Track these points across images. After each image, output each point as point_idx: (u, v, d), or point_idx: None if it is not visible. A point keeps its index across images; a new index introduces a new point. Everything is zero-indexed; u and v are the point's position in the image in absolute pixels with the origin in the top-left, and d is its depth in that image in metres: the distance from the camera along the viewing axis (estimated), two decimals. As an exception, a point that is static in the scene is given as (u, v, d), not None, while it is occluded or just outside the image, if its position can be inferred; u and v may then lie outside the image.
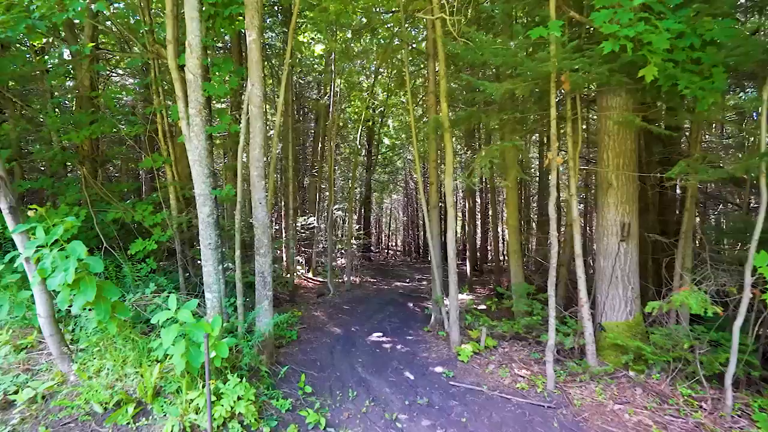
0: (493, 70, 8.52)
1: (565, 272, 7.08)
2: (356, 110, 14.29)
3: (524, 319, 5.86)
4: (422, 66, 10.58)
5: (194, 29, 4.25)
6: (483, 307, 8.23)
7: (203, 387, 3.49)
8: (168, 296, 4.13)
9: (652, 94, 4.51)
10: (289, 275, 9.60)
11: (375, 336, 6.66)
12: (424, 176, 13.30)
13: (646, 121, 4.56)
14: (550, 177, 4.52)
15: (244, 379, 3.73)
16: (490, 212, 16.05)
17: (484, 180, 12.49)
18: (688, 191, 4.82)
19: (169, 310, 3.53)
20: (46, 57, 6.68)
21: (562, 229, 7.92)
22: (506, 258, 12.13)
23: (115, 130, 8.02)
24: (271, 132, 10.39)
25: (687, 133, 6.85)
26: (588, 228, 11.85)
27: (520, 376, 4.99)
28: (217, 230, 4.52)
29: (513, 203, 7.23)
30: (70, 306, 3.58)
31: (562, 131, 5.53)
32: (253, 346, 4.34)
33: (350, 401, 4.33)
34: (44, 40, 6.67)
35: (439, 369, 5.26)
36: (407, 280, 13.31)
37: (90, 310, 4.02)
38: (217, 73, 6.52)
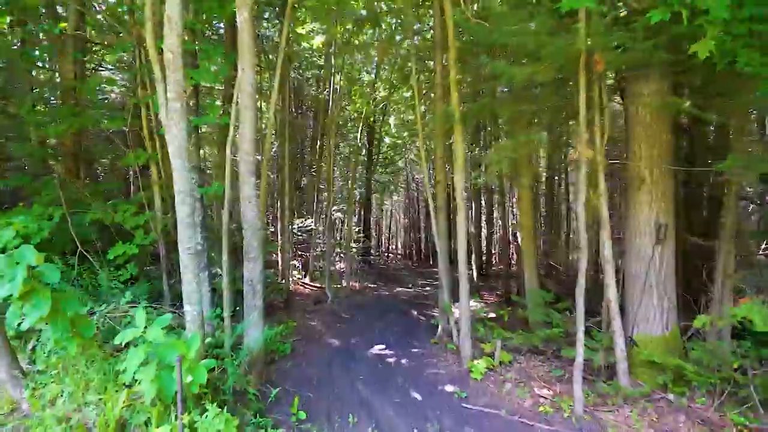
0: (503, 60, 8.00)
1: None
2: (357, 108, 13.73)
3: (543, 331, 5.29)
4: (427, 58, 10.02)
5: (175, 0, 3.72)
6: (493, 315, 7.67)
7: (177, 419, 2.93)
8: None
9: (702, 75, 3.96)
10: (284, 281, 9.02)
11: (377, 349, 6.09)
12: (429, 175, 12.72)
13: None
14: (579, 173, 3.98)
15: (226, 408, 3.17)
16: (495, 214, 15.52)
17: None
18: (731, 188, 4.27)
19: (137, 327, 2.98)
20: (9, 37, 6.09)
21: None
22: (514, 262, 11.57)
23: (99, 126, 7.48)
24: (266, 130, 9.85)
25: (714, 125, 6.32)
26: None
27: (542, 397, 4.43)
28: (203, 233, 4.02)
29: (527, 203, 6.68)
30: (20, 323, 3.04)
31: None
32: (240, 366, 3.79)
33: (350, 428, 3.78)
34: (9, 19, 6.08)
35: (449, 388, 4.71)
36: (409, 286, 12.72)
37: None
38: (206, 61, 5.99)
